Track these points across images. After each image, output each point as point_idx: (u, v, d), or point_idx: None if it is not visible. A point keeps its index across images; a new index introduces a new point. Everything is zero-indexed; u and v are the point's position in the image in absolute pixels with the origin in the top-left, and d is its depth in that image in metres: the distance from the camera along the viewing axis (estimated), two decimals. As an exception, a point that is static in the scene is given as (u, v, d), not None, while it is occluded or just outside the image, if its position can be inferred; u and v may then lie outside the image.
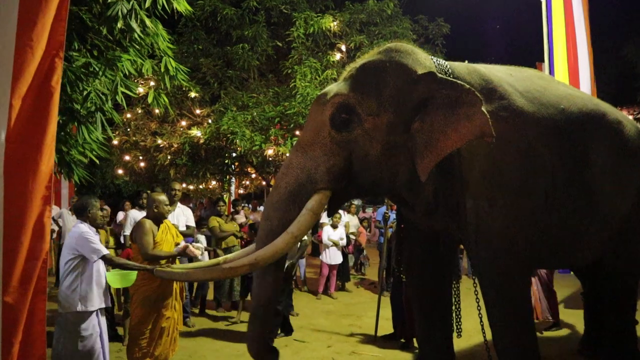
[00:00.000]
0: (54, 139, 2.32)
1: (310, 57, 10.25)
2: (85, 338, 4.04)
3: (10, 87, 2.17)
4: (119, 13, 4.52)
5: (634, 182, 4.61)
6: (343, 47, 10.62)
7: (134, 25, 4.68)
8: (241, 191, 15.15)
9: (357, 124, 3.47)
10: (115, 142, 9.99)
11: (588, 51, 8.06)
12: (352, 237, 9.56)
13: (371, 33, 11.13)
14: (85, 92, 4.83)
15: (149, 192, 6.23)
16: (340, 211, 9.38)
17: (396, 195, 3.89)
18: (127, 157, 10.21)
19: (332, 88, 3.60)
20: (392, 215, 7.22)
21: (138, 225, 4.50)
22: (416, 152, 3.47)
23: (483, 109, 3.37)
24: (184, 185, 12.89)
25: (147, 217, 4.63)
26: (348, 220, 9.59)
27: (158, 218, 4.59)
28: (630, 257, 4.75)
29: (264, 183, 12.68)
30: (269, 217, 3.43)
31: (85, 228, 4.09)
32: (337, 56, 10.43)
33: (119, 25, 4.62)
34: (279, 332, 5.80)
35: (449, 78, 3.55)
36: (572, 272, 6.19)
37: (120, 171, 11.09)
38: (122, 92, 5.17)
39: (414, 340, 5.41)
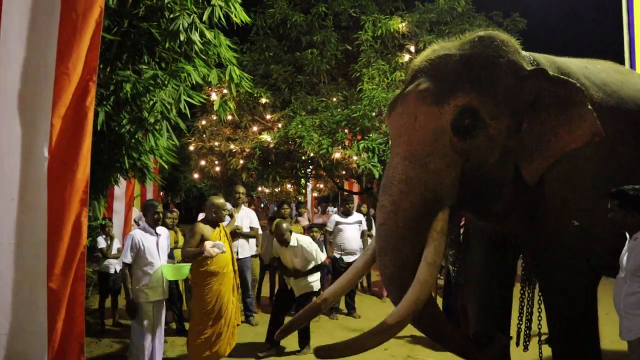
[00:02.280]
0: (89, 151, 2.65)
1: (379, 60, 10.29)
2: (141, 327, 4.47)
3: (51, 110, 2.56)
4: (181, 27, 4.81)
5: None
6: (412, 48, 10.52)
7: (195, 37, 4.96)
8: (315, 194, 15.41)
9: (481, 130, 3.06)
10: (191, 147, 10.52)
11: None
12: None
13: (441, 32, 10.96)
14: (152, 102, 5.18)
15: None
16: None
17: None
18: (202, 162, 10.71)
19: (426, 84, 3.07)
20: None
21: (189, 228, 4.84)
22: (524, 155, 3.23)
23: (591, 108, 3.17)
24: (259, 188, 13.29)
25: (204, 219, 4.95)
26: None
27: (215, 221, 4.87)
28: None
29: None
30: (397, 249, 2.87)
31: (137, 234, 4.60)
32: (406, 57, 10.34)
33: (182, 38, 4.91)
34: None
35: (559, 75, 3.31)
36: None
37: (196, 175, 11.64)
38: (189, 101, 5.49)
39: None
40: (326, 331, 6.21)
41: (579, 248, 3.51)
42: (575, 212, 3.46)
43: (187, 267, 4.59)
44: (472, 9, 11.48)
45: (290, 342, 5.53)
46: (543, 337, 4.95)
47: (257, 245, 7.03)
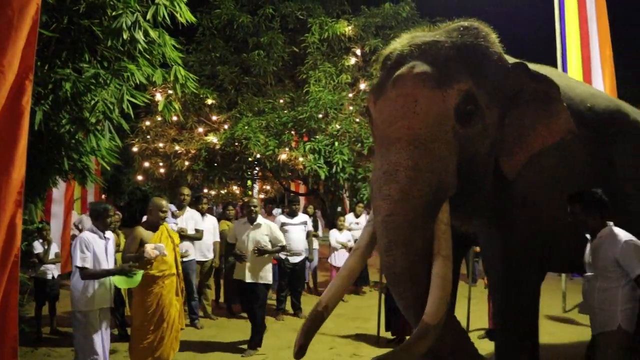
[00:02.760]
0: (25, 151, 2.56)
1: (325, 62, 10.38)
2: (89, 335, 4.31)
3: (-15, 109, 2.46)
4: (124, 25, 4.70)
5: None
6: (358, 51, 10.70)
7: (138, 36, 4.86)
8: (262, 196, 15.34)
9: (479, 118, 3.02)
10: (135, 149, 10.28)
11: (601, 52, 7.93)
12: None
13: (386, 36, 11.18)
14: (93, 102, 5.03)
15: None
16: (351, 214, 9.41)
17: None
18: (146, 164, 10.48)
19: (423, 68, 2.90)
20: None
21: (130, 232, 4.74)
22: (504, 149, 3.24)
23: (565, 105, 3.26)
24: (205, 190, 13.13)
25: (146, 222, 4.87)
26: (360, 221, 9.35)
27: (155, 224, 4.80)
28: None
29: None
30: (409, 241, 2.68)
31: (88, 236, 4.41)
32: (352, 60, 10.53)
33: (125, 36, 4.80)
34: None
35: (537, 72, 3.38)
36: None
37: (140, 177, 11.38)
38: (133, 101, 5.36)
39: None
40: (273, 332, 6.21)
41: (535, 246, 3.64)
42: (537, 210, 3.58)
43: (139, 273, 4.46)
44: (417, 14, 11.74)
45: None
46: (481, 333, 5.15)
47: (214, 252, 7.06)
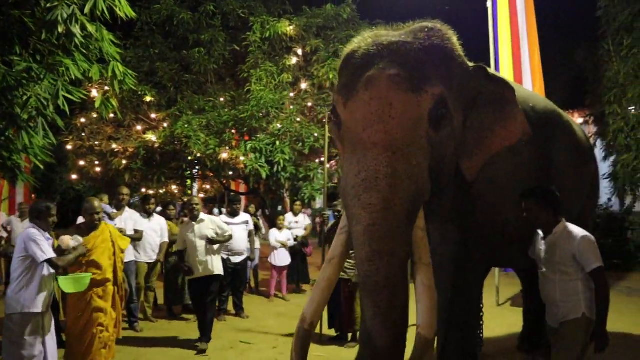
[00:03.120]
0: None
1: (267, 61, 10.36)
2: (29, 340, 4.07)
3: None
4: (59, 18, 4.53)
5: (586, 179, 4.93)
6: (299, 51, 10.75)
7: (75, 30, 4.69)
8: (202, 195, 15.11)
9: (449, 122, 2.97)
10: (69, 146, 9.89)
11: (530, 55, 8.34)
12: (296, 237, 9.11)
13: (328, 37, 11.30)
14: (25, 97, 4.82)
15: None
16: (290, 213, 9.43)
17: None
18: (81, 162, 10.09)
19: (395, 70, 2.80)
20: (331, 217, 7.20)
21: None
22: (465, 151, 3.23)
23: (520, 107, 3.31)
24: (143, 190, 12.78)
25: (82, 224, 4.71)
26: (299, 220, 9.45)
27: (88, 225, 4.63)
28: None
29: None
30: (392, 251, 2.57)
31: (35, 231, 4.13)
32: (293, 60, 10.55)
33: (60, 29, 4.63)
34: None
35: (495, 75, 3.43)
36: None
37: (74, 176, 10.94)
38: (70, 98, 5.18)
39: (349, 334, 5.81)
40: (215, 332, 6.14)
41: (487, 244, 3.74)
42: (491, 209, 3.68)
43: (87, 277, 4.28)
44: (357, 16, 11.91)
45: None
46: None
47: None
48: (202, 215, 5.97)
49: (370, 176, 2.63)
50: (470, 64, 3.34)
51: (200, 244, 5.76)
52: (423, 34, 3.02)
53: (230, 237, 6.17)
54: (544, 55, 8.75)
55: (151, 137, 9.32)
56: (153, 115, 10.30)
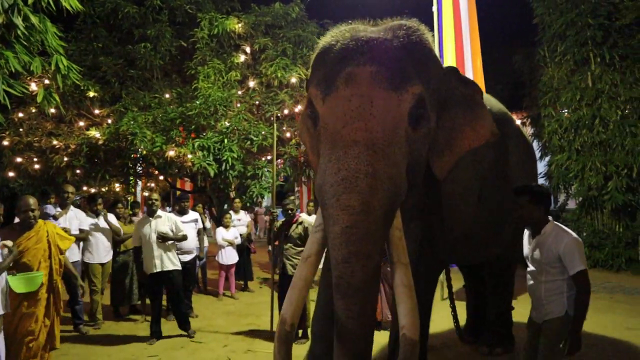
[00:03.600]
0: None
1: (215, 58, 10.27)
2: None
3: None
4: (0, 7, 4.37)
5: (534, 176, 5.25)
6: (247, 49, 10.72)
7: (17, 21, 4.54)
8: (146, 194, 14.76)
9: (426, 122, 2.97)
10: (6, 142, 9.46)
11: (472, 59, 8.67)
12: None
13: (276, 36, 11.31)
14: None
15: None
16: (232, 211, 9.38)
17: None
18: (19, 159, 9.66)
19: (375, 67, 2.77)
20: (280, 215, 7.22)
21: None
22: (436, 150, 3.25)
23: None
24: (84, 188, 12.39)
25: (18, 223, 4.49)
26: (240, 218, 9.40)
27: (23, 224, 4.41)
28: (517, 249, 5.27)
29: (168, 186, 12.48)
30: (369, 254, 2.53)
31: None
32: (242, 58, 10.52)
33: (0, 20, 4.46)
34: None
35: (465, 76, 3.49)
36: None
37: (11, 174, 10.46)
38: (8, 91, 4.99)
39: (308, 331, 5.68)
40: (165, 332, 6.08)
41: (445, 242, 3.85)
42: (454, 207, 3.80)
43: (39, 276, 4.07)
44: (305, 15, 11.98)
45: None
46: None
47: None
48: (160, 212, 6.06)
49: (350, 175, 2.57)
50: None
51: (156, 240, 5.88)
52: (402, 32, 3.02)
53: (185, 237, 6.22)
54: (485, 60, 9.13)
55: (95, 133, 9.03)
56: (96, 111, 10.01)
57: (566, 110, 11.54)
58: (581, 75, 11.19)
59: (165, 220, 6.01)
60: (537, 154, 11.93)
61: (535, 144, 12.59)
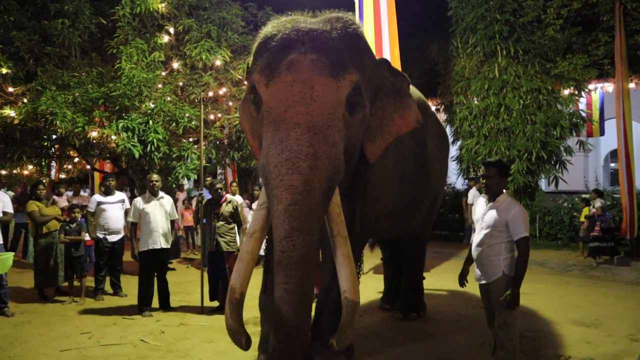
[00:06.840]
0: None
1: (137, 38, 10.08)
2: None
3: None
4: None
5: (446, 160, 5.83)
6: (171, 30, 10.63)
7: None
8: (62, 176, 14.23)
9: (362, 108, 3.25)
10: None
11: (391, 49, 9.15)
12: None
13: (200, 17, 11.27)
14: None
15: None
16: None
17: None
18: None
19: (316, 55, 3.01)
20: (207, 195, 7.36)
21: None
22: (368, 136, 3.53)
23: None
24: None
25: None
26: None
27: None
28: (431, 223, 5.91)
29: (88, 167, 12.14)
30: (309, 229, 2.75)
31: None
32: (165, 38, 10.42)
33: None
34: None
35: (395, 68, 3.79)
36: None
37: None
38: None
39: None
40: (95, 311, 6.11)
41: (371, 220, 4.23)
42: (380, 188, 4.14)
43: (9, 257, 3.97)
44: (229, -1, 12.00)
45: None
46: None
47: None
48: (161, 193, 6.53)
49: (293, 156, 2.78)
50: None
51: (162, 219, 6.30)
52: (340, 24, 3.29)
53: (173, 222, 6.68)
54: (403, 49, 9.66)
55: (10, 112, 8.67)
56: (10, 89, 9.56)
57: (476, 99, 12.39)
58: (489, 66, 12.03)
59: (167, 201, 6.50)
60: (450, 139, 12.73)
61: (447, 129, 13.39)
